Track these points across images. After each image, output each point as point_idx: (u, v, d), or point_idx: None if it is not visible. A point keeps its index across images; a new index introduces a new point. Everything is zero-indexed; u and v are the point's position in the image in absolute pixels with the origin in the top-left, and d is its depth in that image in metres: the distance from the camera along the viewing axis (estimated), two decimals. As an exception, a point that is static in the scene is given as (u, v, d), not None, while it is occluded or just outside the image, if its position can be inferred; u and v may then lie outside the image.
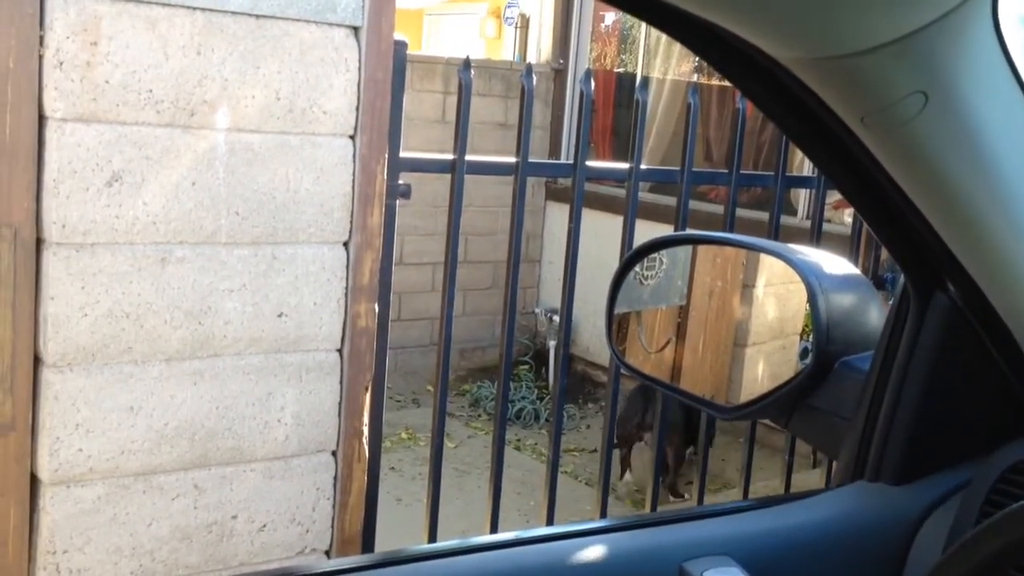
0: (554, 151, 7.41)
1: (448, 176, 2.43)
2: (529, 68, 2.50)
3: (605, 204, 5.94)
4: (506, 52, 9.75)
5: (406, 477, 5.42)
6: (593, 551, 1.14)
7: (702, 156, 6.95)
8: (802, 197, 6.10)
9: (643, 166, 2.67)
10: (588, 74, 2.63)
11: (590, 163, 2.62)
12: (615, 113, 7.54)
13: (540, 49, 7.59)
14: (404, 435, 6.01)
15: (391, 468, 5.52)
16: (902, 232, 1.14)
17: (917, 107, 0.90)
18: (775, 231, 2.90)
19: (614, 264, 2.05)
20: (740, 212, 2.89)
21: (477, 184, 5.73)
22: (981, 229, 1.02)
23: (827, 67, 0.92)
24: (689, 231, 2.20)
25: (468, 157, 2.42)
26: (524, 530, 1.22)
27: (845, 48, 0.87)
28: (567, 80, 7.45)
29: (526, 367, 7.11)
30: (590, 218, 2.74)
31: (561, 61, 7.48)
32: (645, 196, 6.52)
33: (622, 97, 7.53)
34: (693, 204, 2.68)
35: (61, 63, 1.88)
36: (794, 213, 6.06)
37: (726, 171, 2.83)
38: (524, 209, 2.53)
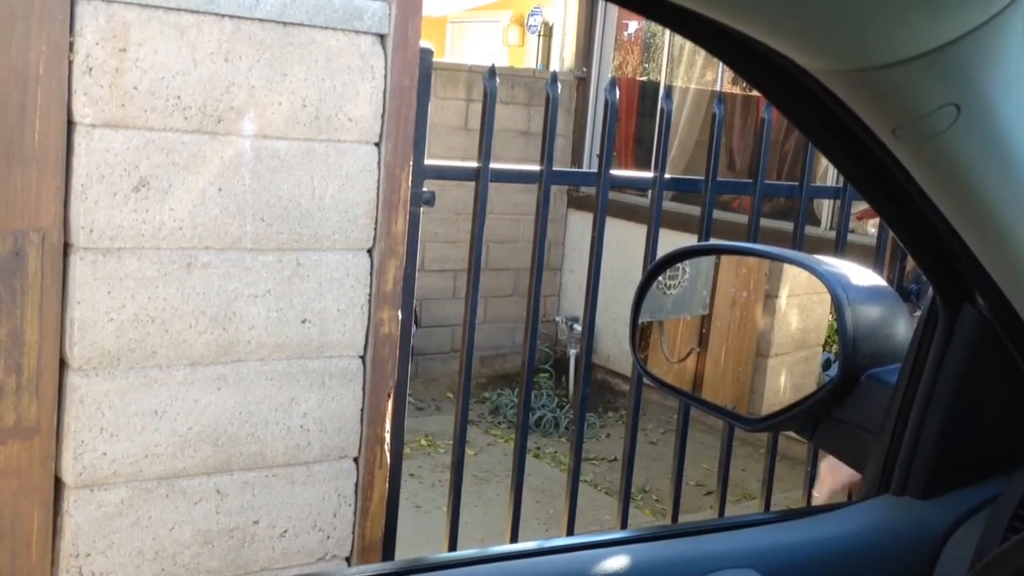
0: (576, 159, 7.42)
1: (471, 184, 2.43)
2: (554, 76, 2.51)
3: (627, 212, 5.94)
4: (529, 60, 9.77)
5: (426, 484, 5.42)
6: (614, 562, 1.13)
7: (725, 166, 6.93)
8: (825, 207, 6.07)
9: (666, 175, 2.67)
10: (613, 82, 2.63)
11: (614, 172, 2.62)
12: (638, 122, 7.53)
13: (563, 57, 7.60)
14: (424, 441, 6.01)
15: (411, 474, 5.52)
16: (931, 244, 1.14)
17: (949, 119, 0.90)
18: (799, 241, 2.89)
19: (635, 273, 2.05)
20: (763, 222, 2.88)
21: (499, 192, 5.73)
22: (1012, 243, 1.01)
23: (858, 79, 0.91)
24: (714, 241, 2.19)
25: (492, 165, 2.42)
26: (545, 540, 1.22)
27: (876, 60, 0.86)
28: (590, 88, 7.45)
29: (546, 375, 7.11)
30: (612, 227, 2.75)
31: (584, 69, 7.48)
32: (668, 205, 6.52)
33: (645, 106, 7.52)
34: (716, 214, 2.67)
35: (90, 69, 1.90)
36: (817, 223, 6.03)
37: (750, 181, 2.82)
38: (540, 217, 2.52)
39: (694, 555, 1.17)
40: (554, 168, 2.52)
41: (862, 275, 1.47)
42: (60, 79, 1.90)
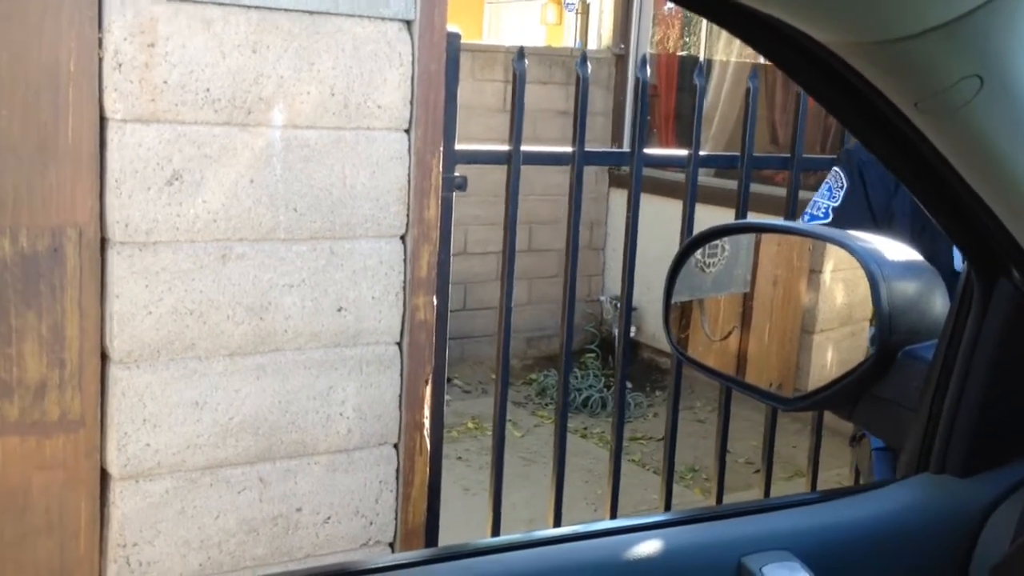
0: (616, 137, 7.36)
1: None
2: (584, 56, 2.48)
3: (669, 190, 5.89)
4: (567, 39, 9.71)
5: (473, 467, 5.44)
6: (650, 546, 1.12)
7: (768, 140, 6.85)
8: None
9: (704, 152, 2.64)
10: (644, 60, 2.60)
11: (649, 150, 2.60)
12: (678, 98, 7.46)
13: (601, 34, 7.54)
14: (471, 424, 6.03)
15: (458, 457, 5.55)
16: (963, 219, 1.11)
17: (972, 91, 0.87)
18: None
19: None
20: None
21: (540, 172, 5.73)
22: None
23: (877, 52, 0.89)
24: (749, 219, 2.16)
25: (524, 147, 2.41)
26: (581, 525, 1.21)
27: (895, 32, 0.84)
28: (628, 65, 7.39)
29: (592, 355, 7.09)
30: (654, 204, 2.73)
31: (622, 46, 7.41)
32: (710, 181, 6.46)
33: (685, 81, 7.44)
34: (761, 188, 2.65)
35: (120, 65, 1.92)
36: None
37: (788, 156, 2.78)
38: (582, 198, 2.51)
39: (729, 538, 1.16)
40: (587, 148, 2.50)
41: (897, 250, 1.45)
42: (91, 76, 1.92)
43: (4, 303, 1.90)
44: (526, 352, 7.14)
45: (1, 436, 1.93)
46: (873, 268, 1.39)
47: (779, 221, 1.71)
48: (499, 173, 2.28)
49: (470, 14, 11.10)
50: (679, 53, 7.68)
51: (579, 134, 2.47)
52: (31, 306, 1.92)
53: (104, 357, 2.01)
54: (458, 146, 2.33)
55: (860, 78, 0.95)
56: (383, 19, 2.14)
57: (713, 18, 1.00)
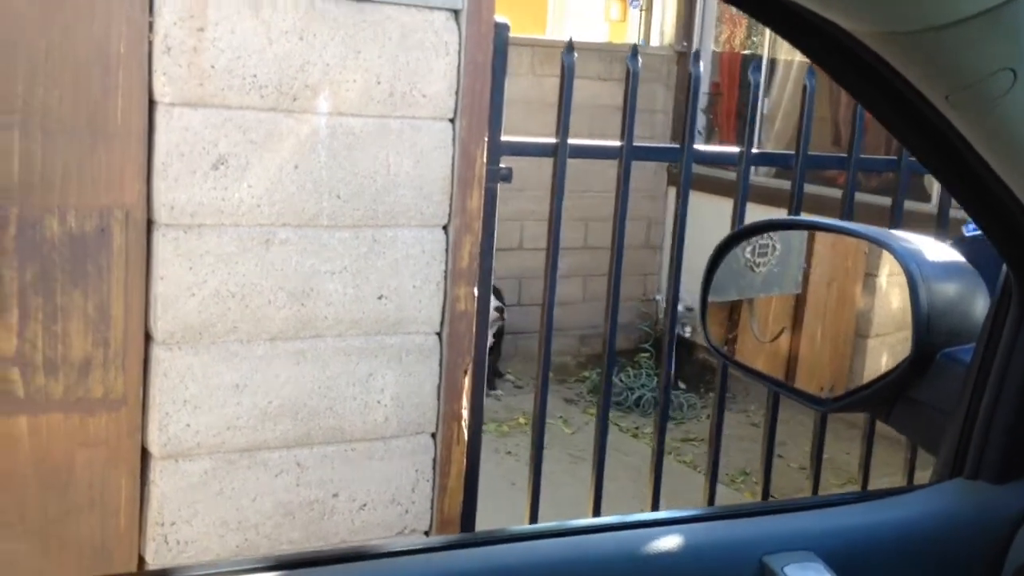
0: (677, 135, 7.30)
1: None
2: (635, 49, 2.46)
3: (727, 189, 5.82)
4: (631, 35, 9.65)
5: (522, 461, 5.43)
6: (670, 541, 1.11)
7: (830, 140, 6.74)
8: (936, 182, 5.85)
9: (758, 150, 2.60)
10: (696, 55, 2.57)
11: (700, 146, 2.57)
12: (740, 96, 7.37)
13: (664, 32, 7.48)
14: (523, 420, 6.03)
15: (508, 452, 5.55)
16: (1001, 218, 1.08)
17: (1006, 85, 0.84)
18: (897, 218, 2.78)
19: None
20: (870, 199, 2.78)
21: (597, 169, 5.65)
22: None
23: (907, 42, 0.87)
24: (786, 216, 2.12)
25: (571, 141, 2.40)
26: (604, 518, 1.20)
27: (925, 22, 0.82)
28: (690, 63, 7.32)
29: (647, 355, 7.04)
30: (713, 204, 2.68)
31: (685, 44, 7.35)
32: (769, 181, 6.38)
33: (748, 80, 7.36)
34: (822, 190, 2.59)
35: (169, 49, 1.94)
36: (927, 199, 5.82)
37: (844, 155, 2.72)
38: (638, 196, 2.49)
39: (751, 537, 1.14)
40: (636, 143, 2.48)
41: (939, 251, 1.41)
42: (141, 59, 1.95)
43: (51, 282, 1.93)
44: (579, 350, 7.12)
45: (46, 413, 1.97)
46: (912, 268, 1.36)
47: (818, 219, 1.68)
48: (550, 170, 2.27)
49: (533, 9, 11.08)
50: (743, 52, 7.59)
51: (628, 128, 2.45)
52: (78, 285, 1.95)
53: (148, 338, 2.04)
54: (504, 138, 2.32)
55: (890, 69, 0.93)
56: (430, 8, 2.14)
57: (745, 7, 0.98)
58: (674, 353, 2.66)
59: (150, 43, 1.94)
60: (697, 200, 2.85)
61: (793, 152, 2.67)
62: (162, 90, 1.95)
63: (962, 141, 0.96)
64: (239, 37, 1.98)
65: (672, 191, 7.37)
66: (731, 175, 6.09)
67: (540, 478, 2.56)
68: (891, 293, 1.72)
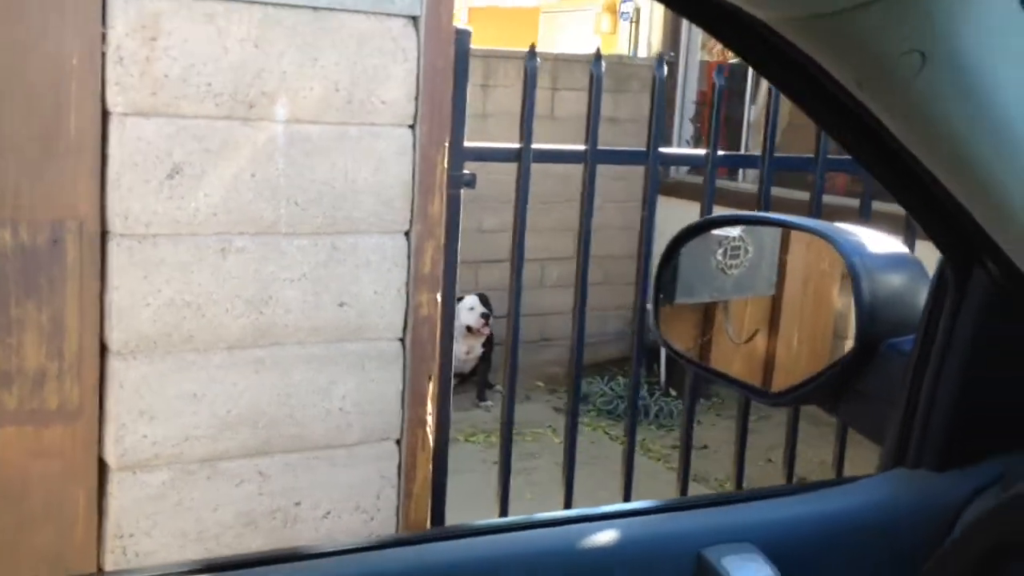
0: (665, 144, 7.30)
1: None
2: (598, 54, 2.47)
3: (718, 197, 5.82)
4: (621, 47, 9.67)
5: (511, 472, 5.41)
6: (607, 535, 1.10)
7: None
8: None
9: (726, 152, 2.60)
10: (661, 60, 2.58)
11: (664, 150, 2.56)
12: (728, 104, 7.38)
13: (651, 42, 7.50)
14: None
15: (495, 463, 5.52)
16: (932, 206, 1.07)
17: (915, 68, 0.84)
18: (866, 218, 2.77)
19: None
20: (850, 202, 2.75)
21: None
22: (1002, 198, 0.94)
23: (815, 27, 0.86)
24: (733, 212, 2.11)
25: (534, 145, 2.39)
26: (539, 514, 1.19)
27: (831, 5, 0.81)
28: (678, 72, 7.33)
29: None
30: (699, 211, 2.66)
31: (672, 53, 7.36)
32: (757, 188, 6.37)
33: (735, 88, 7.36)
34: (808, 195, 2.58)
35: (122, 59, 1.94)
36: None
37: (812, 156, 2.72)
38: (594, 199, 2.49)
39: (690, 530, 1.12)
40: (600, 147, 2.48)
41: (881, 242, 1.41)
42: (94, 71, 1.94)
43: (4, 294, 1.92)
44: (568, 359, 7.10)
45: (0, 425, 1.96)
46: (854, 260, 1.35)
47: (765, 213, 1.67)
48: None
49: (525, 24, 11.11)
50: (731, 61, 7.60)
51: (592, 132, 2.44)
52: (31, 297, 1.95)
53: (103, 348, 2.03)
54: (467, 144, 2.32)
55: (804, 56, 0.92)
56: (388, 15, 2.14)
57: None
58: (635, 358, 2.64)
59: (103, 54, 1.94)
60: (686, 207, 2.84)
61: (757, 154, 2.67)
62: (115, 100, 1.95)
63: (883, 128, 0.96)
64: (193, 46, 1.98)
65: (661, 200, 7.36)
66: (729, 184, 6.09)
67: (508, 490, 2.55)
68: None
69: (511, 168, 2.41)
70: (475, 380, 6.73)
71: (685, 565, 1.07)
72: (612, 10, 9.98)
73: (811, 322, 1.77)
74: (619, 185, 6.14)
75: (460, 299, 6.55)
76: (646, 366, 7.07)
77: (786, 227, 1.59)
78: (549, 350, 7.18)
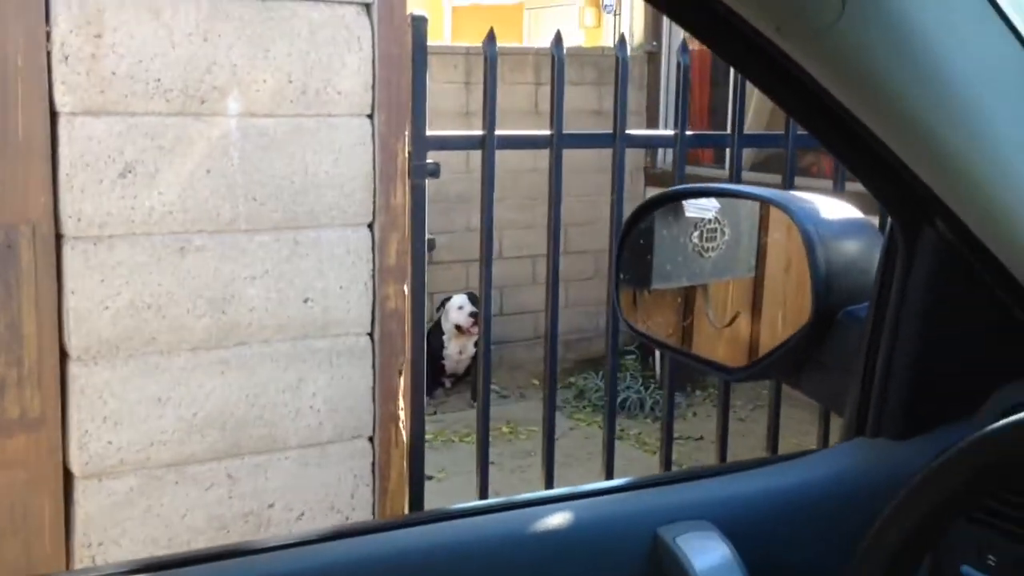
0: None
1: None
2: (558, 36, 2.43)
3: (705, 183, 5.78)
4: (606, 40, 9.64)
5: (505, 470, 5.38)
6: (562, 517, 1.06)
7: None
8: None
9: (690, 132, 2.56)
10: (623, 41, 2.53)
11: (633, 131, 2.52)
12: (712, 92, 7.34)
13: (632, 32, 7.46)
14: (505, 428, 5.98)
15: (491, 462, 5.48)
16: (876, 165, 1.02)
17: (834, 12, 0.80)
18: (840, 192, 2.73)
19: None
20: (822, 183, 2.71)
21: (576, 174, 5.57)
22: (938, 148, 0.90)
23: None
24: (693, 185, 2.06)
25: (499, 132, 2.35)
26: (493, 499, 1.16)
27: None
28: (661, 62, 7.29)
29: (632, 357, 6.98)
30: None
31: (654, 43, 7.32)
32: (747, 175, 6.33)
33: (718, 75, 7.33)
34: (800, 180, 2.55)
35: (67, 57, 1.90)
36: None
37: (727, 133, 2.66)
38: (562, 185, 2.45)
39: (646, 509, 1.09)
40: (567, 132, 2.44)
41: (837, 209, 1.37)
42: (40, 69, 1.90)
43: (-43, 301, 1.89)
44: (564, 355, 7.05)
45: (-40, 435, 1.92)
46: (808, 227, 1.31)
47: (717, 185, 1.63)
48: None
49: (509, 20, 11.08)
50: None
51: (557, 117, 2.40)
52: (-15, 304, 1.91)
53: (63, 354, 1.99)
54: (429, 132, 2.28)
55: (723, 6, 0.88)
56: (340, 3, 2.10)
57: None
58: (611, 349, 2.60)
59: (48, 53, 1.90)
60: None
61: (727, 133, 2.63)
62: (62, 100, 1.91)
63: (809, 78, 0.92)
64: (139, 41, 1.94)
65: (650, 192, 7.33)
66: (704, 171, 6.05)
67: (487, 484, 2.51)
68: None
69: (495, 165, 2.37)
70: (469, 380, 6.69)
71: (642, 544, 1.04)
72: (595, 3, 9.95)
73: (786, 300, 1.73)
74: (608, 179, 6.11)
75: (448, 299, 6.53)
76: (641, 360, 7.03)
77: (739, 197, 1.56)
78: (542, 346, 7.14)
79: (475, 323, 6.49)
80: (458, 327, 6.44)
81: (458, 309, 6.43)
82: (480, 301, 2.44)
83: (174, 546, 2.08)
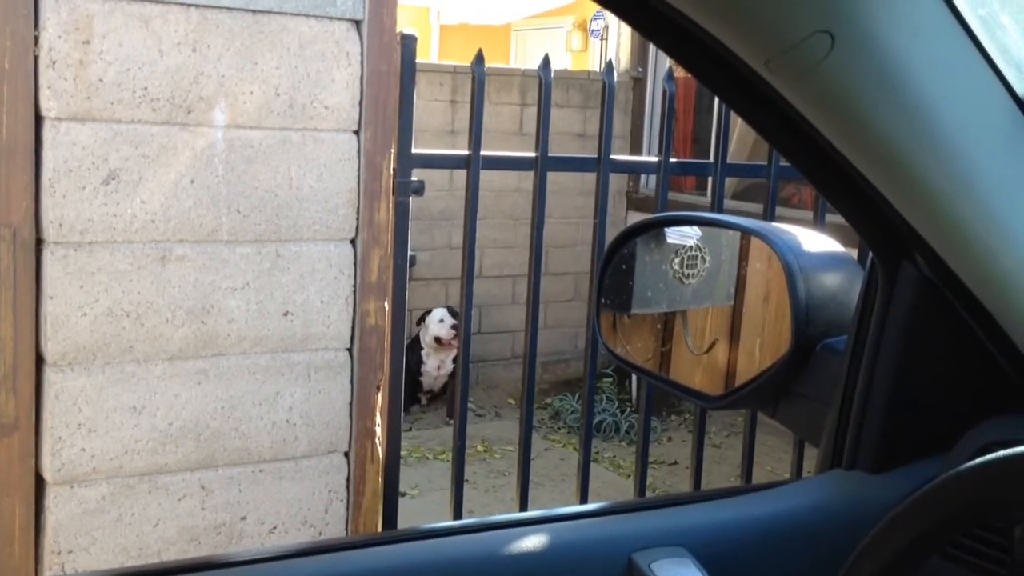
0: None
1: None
2: (546, 59, 2.44)
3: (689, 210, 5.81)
4: (593, 64, 9.69)
5: (479, 489, 5.37)
6: (537, 540, 1.06)
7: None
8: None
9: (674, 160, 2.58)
10: (610, 66, 2.55)
11: (616, 157, 2.54)
12: (696, 120, 7.39)
13: (619, 57, 7.50)
14: (480, 447, 5.97)
15: (466, 480, 5.47)
16: (858, 199, 1.04)
17: (823, 49, 0.81)
18: (821, 225, 2.75)
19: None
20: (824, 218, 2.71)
21: (559, 196, 5.60)
22: (920, 186, 0.91)
23: (722, 8, 0.84)
24: (677, 212, 2.08)
25: (484, 152, 2.36)
26: (468, 519, 1.16)
27: None
28: (646, 88, 7.34)
29: (609, 380, 7.00)
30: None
31: (640, 69, 7.37)
32: (728, 204, 6.37)
33: (703, 103, 7.38)
34: (781, 211, 2.58)
35: (54, 62, 1.90)
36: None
37: (764, 164, 2.70)
38: (545, 206, 2.46)
39: (620, 534, 1.09)
40: (551, 155, 2.45)
41: (817, 241, 1.38)
42: (27, 74, 1.90)
43: (-66, 303, 1.87)
44: (541, 376, 7.05)
45: (-68, 438, 1.90)
46: (790, 259, 1.32)
47: (699, 213, 1.64)
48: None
49: (497, 41, 11.13)
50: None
51: (543, 139, 2.41)
52: (-37, 306, 1.90)
53: (39, 359, 1.98)
54: (414, 150, 2.28)
55: (713, 39, 0.89)
56: (330, 18, 2.11)
57: None
58: (589, 368, 2.61)
59: (36, 58, 1.90)
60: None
61: (710, 161, 2.65)
62: (48, 105, 1.91)
63: (795, 112, 0.93)
64: (127, 49, 1.94)
65: (632, 216, 7.36)
66: (687, 197, 6.08)
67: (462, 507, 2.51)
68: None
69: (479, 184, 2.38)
70: (445, 398, 6.68)
71: (616, 569, 1.05)
72: (583, 28, 10.01)
73: (764, 329, 1.74)
74: (591, 201, 6.14)
75: (428, 312, 6.53)
76: (618, 383, 7.04)
77: (720, 227, 1.57)
78: (520, 366, 7.14)
79: (456, 335, 6.49)
80: (438, 339, 6.44)
81: (439, 322, 6.42)
82: (461, 317, 2.44)
83: (145, 556, 2.06)
